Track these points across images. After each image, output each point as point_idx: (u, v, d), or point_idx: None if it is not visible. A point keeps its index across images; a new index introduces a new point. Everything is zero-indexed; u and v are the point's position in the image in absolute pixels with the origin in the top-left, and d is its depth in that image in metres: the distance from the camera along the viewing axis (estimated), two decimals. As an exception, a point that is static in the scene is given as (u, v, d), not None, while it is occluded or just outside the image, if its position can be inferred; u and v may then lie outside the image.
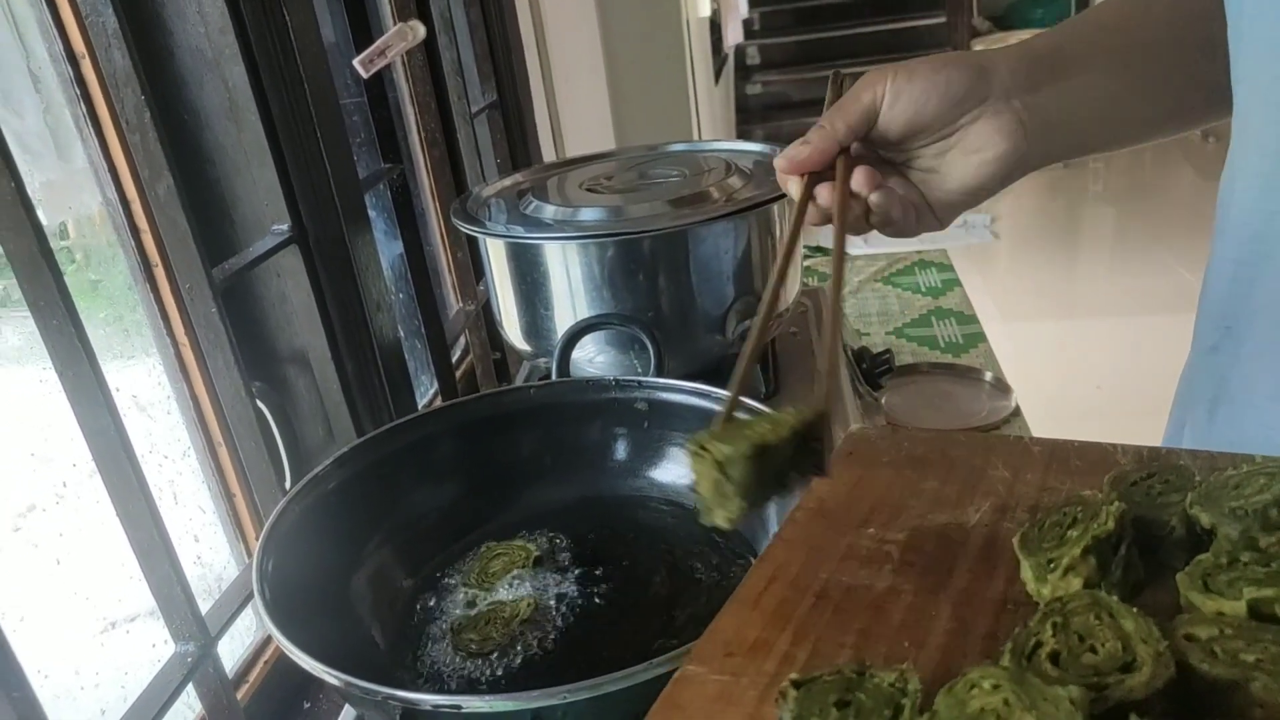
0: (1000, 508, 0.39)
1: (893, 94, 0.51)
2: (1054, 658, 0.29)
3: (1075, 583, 0.33)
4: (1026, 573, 0.34)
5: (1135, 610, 0.29)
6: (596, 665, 0.54)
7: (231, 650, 0.75)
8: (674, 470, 0.71)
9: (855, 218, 0.52)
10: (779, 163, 0.53)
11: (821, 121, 0.52)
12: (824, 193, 0.51)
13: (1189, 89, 0.55)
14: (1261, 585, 0.30)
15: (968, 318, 2.08)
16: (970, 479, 0.41)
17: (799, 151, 0.52)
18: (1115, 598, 0.30)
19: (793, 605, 0.34)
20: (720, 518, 0.36)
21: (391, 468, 0.67)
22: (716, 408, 0.69)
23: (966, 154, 0.52)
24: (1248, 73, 0.47)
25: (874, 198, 0.51)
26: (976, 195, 0.53)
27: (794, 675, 0.30)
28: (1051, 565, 0.33)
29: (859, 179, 0.51)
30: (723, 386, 0.69)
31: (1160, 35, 0.54)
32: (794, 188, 0.52)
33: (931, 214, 0.54)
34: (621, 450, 0.73)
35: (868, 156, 0.53)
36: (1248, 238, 0.49)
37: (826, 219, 0.52)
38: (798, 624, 0.33)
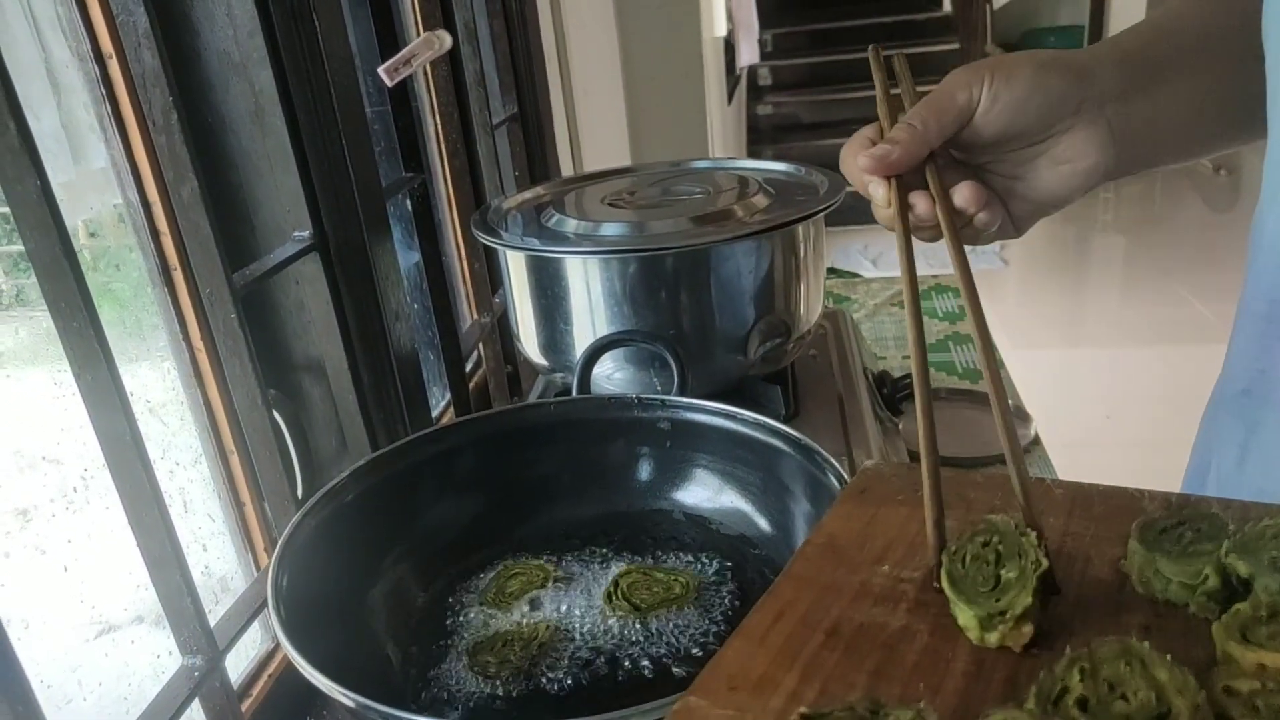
0: None
1: (990, 96, 0.47)
2: (1082, 704, 0.27)
3: (1028, 631, 0.32)
4: (967, 619, 0.32)
5: (1170, 659, 0.28)
6: (615, 694, 0.53)
7: (236, 663, 0.73)
8: (698, 492, 0.70)
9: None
10: (863, 161, 0.48)
11: (910, 119, 0.48)
12: (918, 202, 0.47)
13: (1257, 101, 0.51)
14: None
15: (984, 344, 2.09)
16: None
17: (888, 150, 0.47)
18: (1147, 644, 0.29)
19: (801, 642, 0.33)
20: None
21: (410, 481, 0.66)
22: (741, 429, 0.68)
23: (1055, 163, 0.49)
24: None
25: (981, 216, 0.48)
26: (1058, 205, 0.51)
27: (804, 709, 0.28)
28: (1004, 615, 0.32)
29: (966, 195, 0.47)
30: (743, 406, 0.68)
31: (1230, 49, 0.51)
32: (879, 191, 0.48)
33: (1010, 222, 0.51)
34: (645, 470, 0.71)
35: (943, 155, 0.49)
36: None
37: (920, 228, 0.48)
38: (806, 661, 0.32)
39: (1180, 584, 0.33)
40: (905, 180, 0.48)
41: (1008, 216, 0.51)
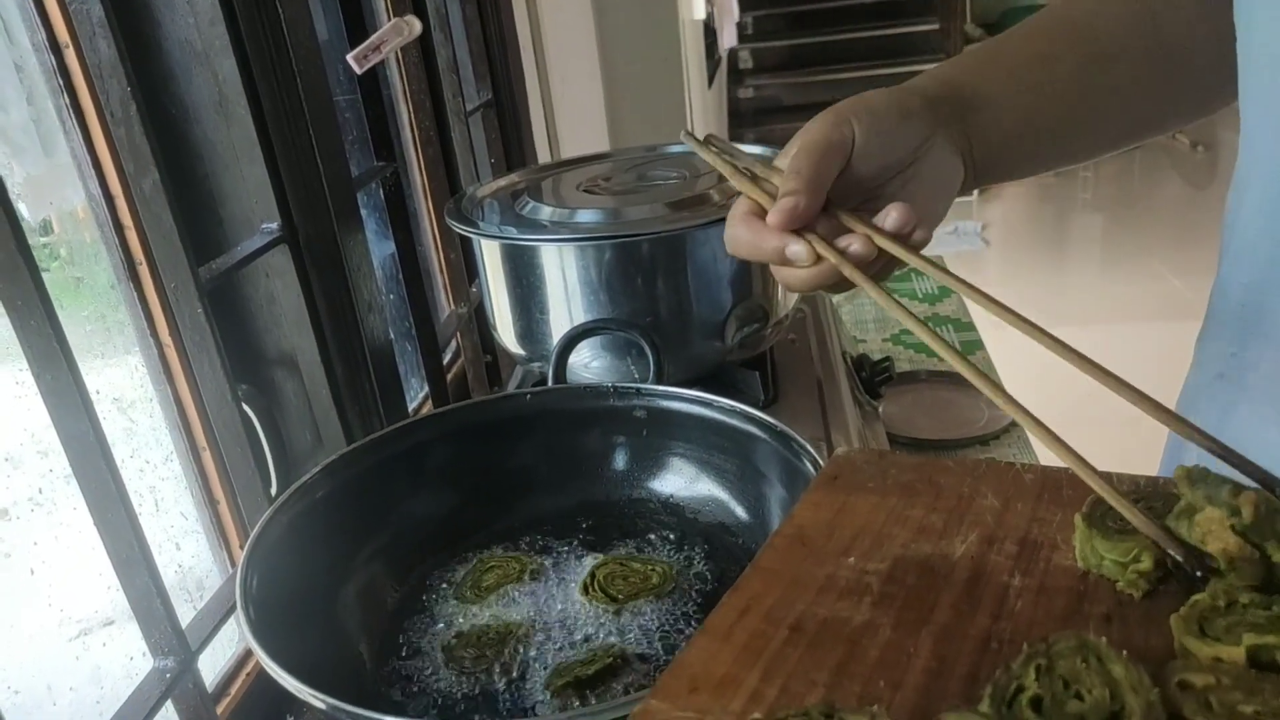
0: (988, 539, 0.37)
1: (863, 135, 0.48)
2: (1035, 704, 0.27)
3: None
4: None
5: (1125, 655, 0.27)
6: (592, 687, 0.53)
7: (213, 663, 0.72)
8: (675, 481, 0.70)
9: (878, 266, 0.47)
10: (772, 220, 0.46)
11: (793, 171, 0.46)
12: (854, 241, 0.45)
13: (1106, 120, 0.55)
14: (1262, 631, 0.28)
15: (965, 325, 2.08)
16: (958, 508, 0.39)
17: (794, 204, 0.45)
18: (1104, 640, 0.28)
19: (765, 639, 0.32)
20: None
21: (383, 476, 0.65)
22: (717, 416, 0.67)
23: (924, 183, 0.50)
24: (1256, 93, 0.46)
25: (919, 233, 0.47)
26: (934, 222, 0.51)
27: (756, 715, 0.28)
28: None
29: (901, 214, 0.45)
30: (721, 394, 0.67)
31: (1069, 72, 0.54)
32: (800, 249, 0.46)
33: None
34: (621, 459, 0.71)
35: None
36: (1256, 262, 0.47)
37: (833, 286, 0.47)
38: (769, 659, 0.32)
39: (1113, 561, 0.34)
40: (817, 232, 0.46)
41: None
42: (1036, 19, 0.57)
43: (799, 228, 0.46)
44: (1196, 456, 0.54)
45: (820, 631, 0.33)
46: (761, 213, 0.47)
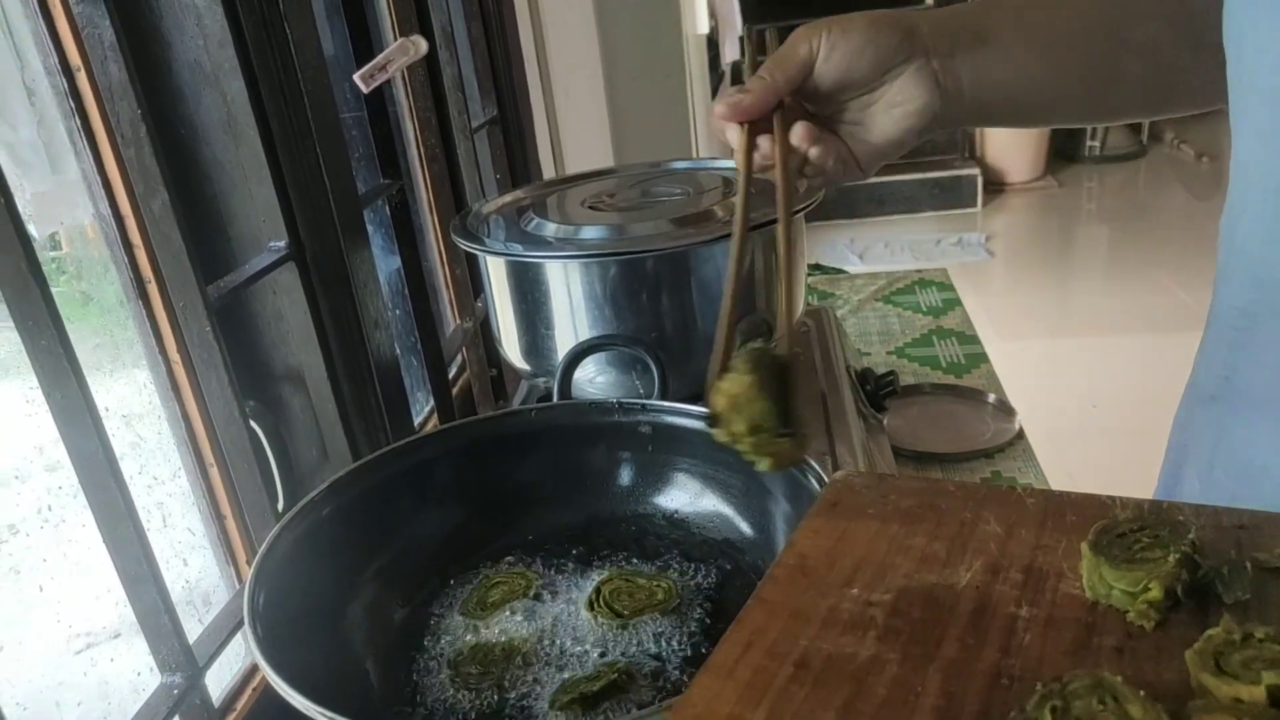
0: (992, 567, 0.36)
1: (827, 47, 0.53)
2: None
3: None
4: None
5: (1142, 695, 0.27)
6: (597, 703, 0.53)
7: (219, 677, 0.73)
8: (680, 496, 0.70)
9: (792, 170, 0.55)
10: (719, 109, 0.55)
11: (760, 72, 0.54)
12: (764, 143, 0.54)
13: (1112, 85, 0.57)
14: None
15: (969, 338, 2.07)
16: (960, 535, 0.38)
17: (740, 99, 0.53)
18: (1120, 679, 0.28)
19: (769, 676, 0.32)
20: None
21: (388, 493, 0.66)
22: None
23: (889, 107, 0.55)
24: (1248, 115, 0.45)
25: (813, 151, 0.54)
26: (898, 147, 0.57)
27: None
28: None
29: (800, 133, 0.54)
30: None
31: (1087, 27, 0.55)
32: (734, 135, 0.54)
33: (856, 165, 0.57)
34: (626, 475, 0.71)
35: (796, 110, 0.56)
36: (1250, 284, 0.47)
37: (765, 168, 0.55)
38: (774, 698, 0.31)
39: (1122, 591, 0.33)
40: (758, 127, 0.54)
41: (853, 157, 0.57)
42: None
43: (747, 119, 0.54)
44: (1191, 484, 0.54)
45: (825, 668, 0.32)
46: None
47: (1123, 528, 0.35)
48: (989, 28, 0.55)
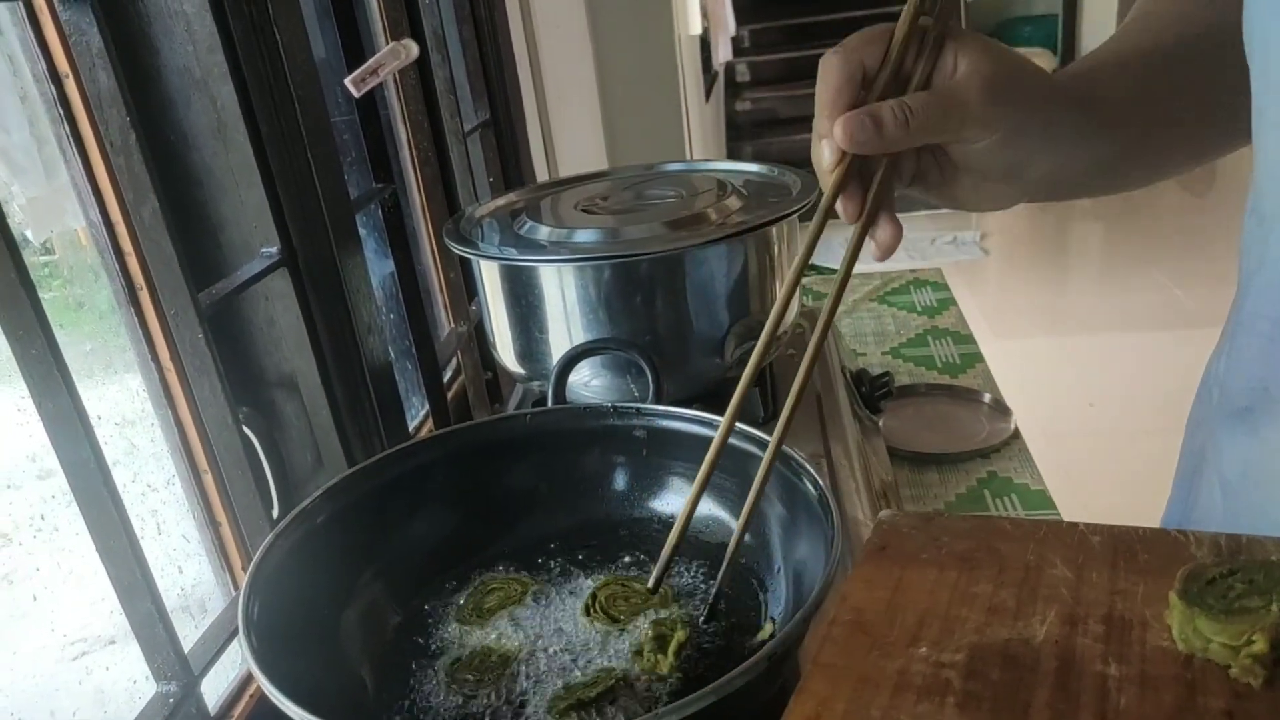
0: (1069, 618, 0.33)
1: (1010, 142, 0.45)
2: None
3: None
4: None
5: None
6: (595, 709, 0.52)
7: (215, 685, 0.72)
8: (674, 500, 0.70)
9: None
10: (829, 128, 0.44)
11: (911, 103, 0.43)
12: (851, 203, 0.46)
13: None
14: None
15: (964, 337, 2.07)
16: (1028, 580, 0.35)
17: (869, 136, 0.43)
18: None
19: None
20: None
21: (383, 499, 0.65)
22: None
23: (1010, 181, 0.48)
24: (1275, 121, 0.43)
25: (886, 237, 0.47)
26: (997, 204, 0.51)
27: None
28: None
29: (888, 233, 0.46)
30: (721, 412, 0.67)
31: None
32: (828, 156, 0.45)
33: (953, 198, 0.50)
34: (620, 479, 0.71)
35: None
36: None
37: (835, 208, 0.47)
38: None
39: (1221, 644, 0.30)
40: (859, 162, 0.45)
41: (941, 178, 0.49)
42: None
43: (872, 154, 0.45)
44: (1218, 496, 0.53)
45: None
46: (868, 77, 0.45)
47: (1211, 573, 0.32)
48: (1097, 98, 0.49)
